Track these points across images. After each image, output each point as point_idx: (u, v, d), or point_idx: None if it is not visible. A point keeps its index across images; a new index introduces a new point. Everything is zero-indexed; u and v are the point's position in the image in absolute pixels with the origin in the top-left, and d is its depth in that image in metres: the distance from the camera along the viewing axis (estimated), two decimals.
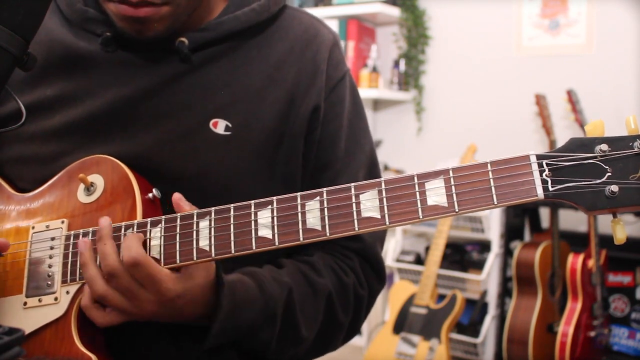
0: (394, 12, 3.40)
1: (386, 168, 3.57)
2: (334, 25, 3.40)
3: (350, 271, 0.92)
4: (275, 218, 0.73)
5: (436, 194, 0.68)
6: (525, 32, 3.19)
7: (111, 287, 0.74)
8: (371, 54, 3.45)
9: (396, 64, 3.50)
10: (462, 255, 3.13)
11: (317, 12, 3.44)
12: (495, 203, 0.66)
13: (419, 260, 3.20)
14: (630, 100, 2.90)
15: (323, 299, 0.88)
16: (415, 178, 0.69)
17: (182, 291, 0.75)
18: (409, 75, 3.50)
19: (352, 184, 0.71)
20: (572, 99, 2.72)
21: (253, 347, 0.84)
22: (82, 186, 0.83)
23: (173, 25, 0.84)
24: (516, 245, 2.90)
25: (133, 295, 0.74)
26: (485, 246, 3.09)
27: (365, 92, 3.37)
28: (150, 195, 0.82)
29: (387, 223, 0.69)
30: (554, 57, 3.12)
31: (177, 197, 0.78)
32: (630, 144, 0.64)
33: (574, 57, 3.07)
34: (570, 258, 2.65)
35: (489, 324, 2.94)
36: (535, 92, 2.84)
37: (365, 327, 3.26)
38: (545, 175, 0.65)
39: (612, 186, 0.63)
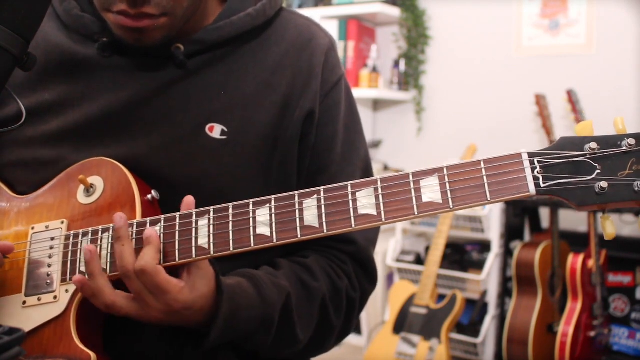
0: (394, 12, 3.41)
1: (386, 168, 3.58)
2: (334, 25, 3.41)
3: (344, 275, 0.93)
4: (273, 216, 0.73)
5: (431, 191, 0.69)
6: (525, 32, 3.20)
7: (119, 296, 0.76)
8: (371, 54, 3.45)
9: (396, 64, 3.51)
10: (462, 255, 3.13)
11: (317, 12, 3.44)
12: (489, 199, 0.67)
13: (419, 260, 3.21)
14: (630, 100, 2.90)
15: (318, 302, 0.89)
16: (411, 176, 0.70)
17: (190, 303, 0.76)
18: (409, 75, 3.51)
19: (349, 182, 0.72)
20: (572, 99, 2.73)
21: (248, 347, 0.85)
22: (81, 187, 0.84)
23: (170, 34, 0.84)
24: (516, 245, 2.90)
25: (142, 299, 0.75)
26: (485, 246, 3.09)
27: (365, 92, 3.37)
28: (149, 196, 0.82)
29: (384, 220, 0.70)
30: (554, 57, 3.12)
31: (188, 200, 0.78)
32: (619, 142, 0.66)
33: (574, 57, 3.08)
34: (570, 258, 2.65)
35: (489, 324, 2.94)
36: (535, 92, 2.84)
37: (365, 327, 3.27)
38: (537, 172, 0.67)
39: (601, 183, 0.65)
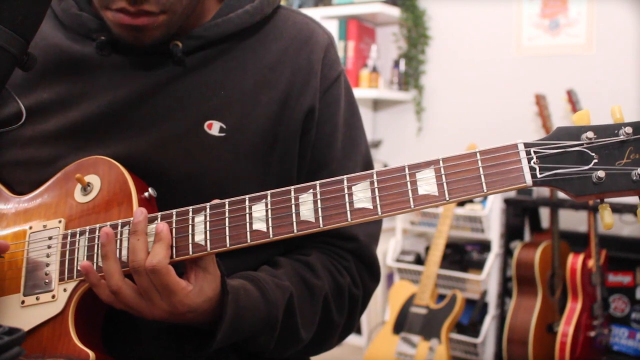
0: (394, 12, 3.41)
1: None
2: (334, 25, 3.41)
3: (346, 272, 0.93)
4: (269, 211, 0.73)
5: (427, 183, 0.69)
6: (525, 32, 3.20)
7: (127, 284, 0.75)
8: (371, 54, 3.45)
9: (396, 64, 3.51)
10: (462, 255, 3.13)
11: (317, 12, 3.45)
12: (485, 190, 0.67)
13: (419, 260, 3.21)
14: (630, 100, 2.90)
15: (320, 300, 0.89)
16: (406, 169, 0.70)
17: (194, 307, 0.76)
18: (409, 75, 3.51)
19: (345, 176, 0.72)
20: (572, 99, 2.73)
21: (251, 349, 0.85)
22: (79, 186, 0.84)
23: (169, 32, 0.84)
24: (516, 245, 2.90)
25: (148, 296, 0.75)
26: (485, 246, 3.09)
27: (365, 92, 3.37)
28: (146, 194, 0.82)
29: (380, 213, 0.69)
30: (554, 57, 3.12)
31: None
32: (616, 131, 0.65)
33: (574, 57, 3.08)
34: (570, 258, 2.65)
35: (489, 324, 2.94)
36: (535, 92, 2.84)
37: (365, 327, 3.27)
38: (533, 162, 0.66)
39: (598, 172, 0.64)
